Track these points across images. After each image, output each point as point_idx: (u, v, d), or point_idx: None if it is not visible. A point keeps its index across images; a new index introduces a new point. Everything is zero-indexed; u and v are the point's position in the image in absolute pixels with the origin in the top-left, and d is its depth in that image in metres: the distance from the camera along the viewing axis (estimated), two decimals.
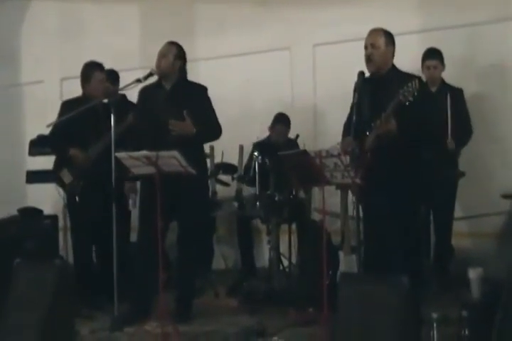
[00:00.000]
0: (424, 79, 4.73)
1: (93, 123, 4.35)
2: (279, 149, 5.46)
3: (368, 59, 4.14)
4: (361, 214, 4.05)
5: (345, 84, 4.39)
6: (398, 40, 4.29)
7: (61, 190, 5.18)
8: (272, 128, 5.78)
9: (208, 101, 4.64)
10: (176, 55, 4.55)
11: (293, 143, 5.65)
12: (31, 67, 7.80)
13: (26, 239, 5.31)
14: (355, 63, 4.27)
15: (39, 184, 6.36)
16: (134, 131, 4.66)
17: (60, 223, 6.00)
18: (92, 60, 5.16)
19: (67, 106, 5.00)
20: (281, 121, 5.76)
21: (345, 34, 5.87)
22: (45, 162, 6.23)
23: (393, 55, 4.19)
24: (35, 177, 6.25)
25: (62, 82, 7.62)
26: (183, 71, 4.62)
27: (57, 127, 4.96)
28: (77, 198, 5.03)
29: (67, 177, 5.02)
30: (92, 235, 5.02)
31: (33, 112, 7.73)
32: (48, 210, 6.04)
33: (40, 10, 7.77)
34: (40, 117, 6.81)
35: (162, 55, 4.55)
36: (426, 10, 5.77)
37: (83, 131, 4.90)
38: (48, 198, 7.00)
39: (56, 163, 5.17)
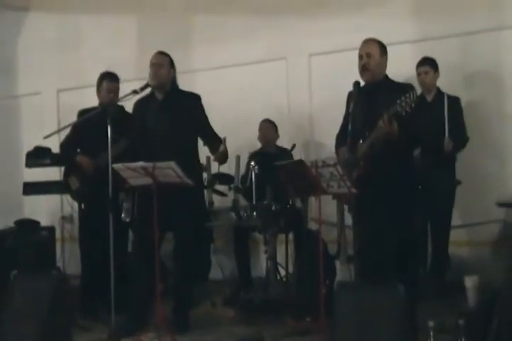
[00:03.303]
0: (418, 87, 4.74)
1: (105, 131, 4.33)
2: (276, 159, 5.51)
3: (364, 68, 4.14)
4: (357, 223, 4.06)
5: (341, 93, 4.39)
6: (393, 50, 4.32)
7: (70, 199, 5.22)
8: (259, 132, 5.89)
9: (201, 109, 4.64)
10: (170, 64, 4.59)
11: (287, 154, 5.65)
12: (28, 78, 7.82)
13: (23, 251, 5.32)
14: (351, 72, 4.28)
15: (36, 195, 6.38)
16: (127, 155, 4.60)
17: (57, 234, 6.02)
18: (106, 70, 5.17)
19: (82, 115, 4.97)
20: (265, 121, 5.93)
21: (341, 44, 5.88)
22: (42, 173, 6.27)
23: (386, 66, 4.20)
24: (32, 188, 6.25)
25: (59, 94, 7.66)
26: (174, 81, 4.65)
27: (66, 137, 5.13)
28: (82, 205, 5.06)
29: (73, 183, 5.07)
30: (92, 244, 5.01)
31: (30, 124, 7.74)
32: (44, 222, 6.05)
33: (37, 21, 7.80)
34: (37, 129, 6.84)
35: (159, 65, 4.54)
36: (420, 19, 5.80)
37: (95, 139, 4.82)
38: (45, 210, 7.04)
39: (65, 170, 5.20)
